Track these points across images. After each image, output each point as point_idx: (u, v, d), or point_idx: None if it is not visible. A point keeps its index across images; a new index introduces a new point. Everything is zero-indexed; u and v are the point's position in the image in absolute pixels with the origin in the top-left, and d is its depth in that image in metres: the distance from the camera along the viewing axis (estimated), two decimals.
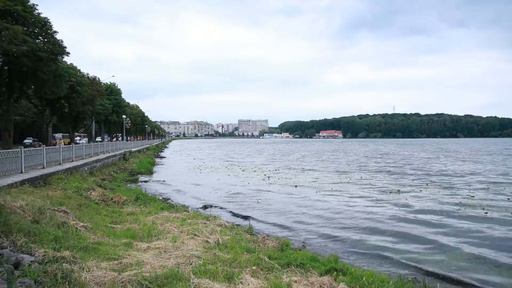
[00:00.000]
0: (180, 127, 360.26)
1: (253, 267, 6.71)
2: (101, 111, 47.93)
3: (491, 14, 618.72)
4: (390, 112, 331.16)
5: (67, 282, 4.81)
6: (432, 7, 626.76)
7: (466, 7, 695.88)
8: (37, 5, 23.41)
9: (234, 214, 14.32)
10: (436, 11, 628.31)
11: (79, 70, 38.58)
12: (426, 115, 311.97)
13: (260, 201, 16.97)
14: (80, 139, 55.79)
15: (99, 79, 45.00)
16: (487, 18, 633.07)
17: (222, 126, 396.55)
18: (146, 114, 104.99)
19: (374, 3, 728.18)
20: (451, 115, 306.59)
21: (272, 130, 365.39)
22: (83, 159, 23.28)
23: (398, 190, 19.71)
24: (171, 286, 5.34)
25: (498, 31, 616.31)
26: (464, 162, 40.77)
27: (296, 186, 22.00)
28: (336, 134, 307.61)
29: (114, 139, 70.99)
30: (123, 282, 5.19)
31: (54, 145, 32.16)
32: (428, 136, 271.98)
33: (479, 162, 40.26)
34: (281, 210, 15.13)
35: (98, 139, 54.55)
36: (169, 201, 16.65)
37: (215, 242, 8.49)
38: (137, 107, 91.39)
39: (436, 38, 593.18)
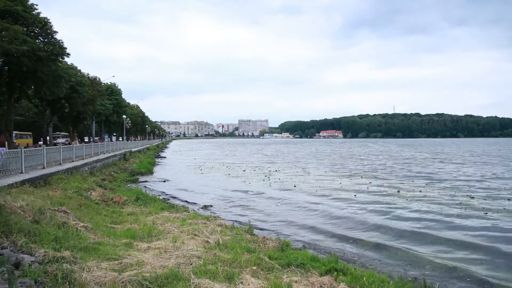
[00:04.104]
0: (181, 127, 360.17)
1: (254, 267, 6.70)
2: (101, 111, 47.91)
3: (492, 13, 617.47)
4: (390, 112, 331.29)
5: (67, 282, 4.81)
6: (433, 6, 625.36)
7: (468, 6, 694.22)
8: (37, 4, 23.39)
9: (235, 214, 14.33)
10: (437, 10, 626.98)
11: (80, 70, 38.56)
12: (427, 115, 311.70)
13: (279, 204, 16.40)
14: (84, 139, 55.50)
15: (99, 79, 45.03)
16: (488, 18, 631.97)
17: (223, 126, 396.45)
18: (146, 114, 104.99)
19: (375, 2, 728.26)
20: (451, 115, 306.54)
21: (272, 130, 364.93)
22: (83, 159, 23.29)
23: (398, 191, 19.70)
24: (172, 286, 5.34)
25: (499, 31, 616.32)
26: (463, 163, 40.74)
27: (295, 186, 22.00)
28: (336, 134, 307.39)
29: (114, 139, 70.92)
30: (123, 282, 5.18)
31: (70, 143, 31.63)
32: (428, 136, 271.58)
33: (479, 163, 40.23)
34: (281, 210, 15.14)
35: (97, 139, 54.30)
36: (169, 201, 16.65)
37: (216, 242, 8.49)
38: (138, 107, 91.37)
39: (436, 38, 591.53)
